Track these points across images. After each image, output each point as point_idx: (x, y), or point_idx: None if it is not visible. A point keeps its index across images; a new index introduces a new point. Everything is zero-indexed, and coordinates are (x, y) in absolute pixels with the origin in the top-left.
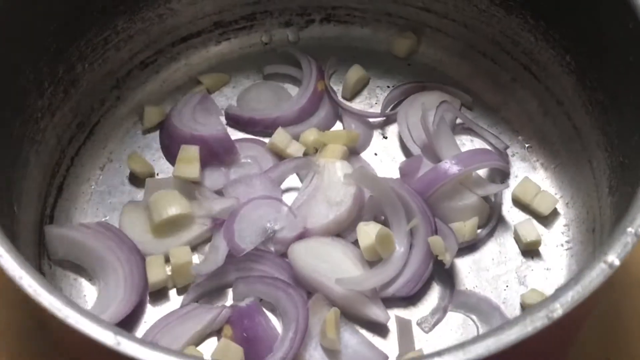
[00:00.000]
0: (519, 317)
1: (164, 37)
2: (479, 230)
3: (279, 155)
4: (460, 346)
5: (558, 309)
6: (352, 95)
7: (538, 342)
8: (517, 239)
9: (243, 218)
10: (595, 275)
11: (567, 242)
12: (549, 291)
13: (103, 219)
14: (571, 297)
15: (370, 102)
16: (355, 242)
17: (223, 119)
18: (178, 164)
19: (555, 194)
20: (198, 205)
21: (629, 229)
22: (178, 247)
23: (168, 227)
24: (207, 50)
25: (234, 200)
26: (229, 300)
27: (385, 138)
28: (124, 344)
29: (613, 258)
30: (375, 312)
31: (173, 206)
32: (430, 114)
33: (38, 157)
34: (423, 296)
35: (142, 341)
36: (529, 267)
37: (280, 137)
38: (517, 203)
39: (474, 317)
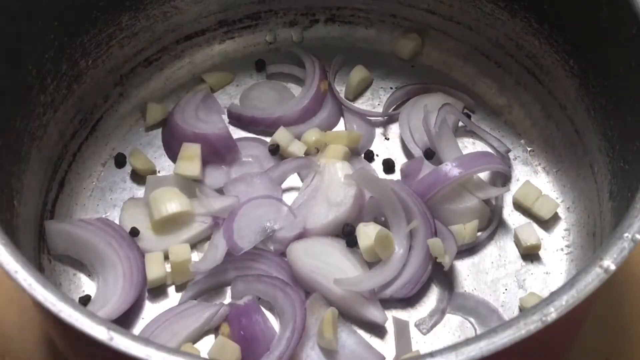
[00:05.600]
0: (513, 320)
1: (168, 34)
2: (479, 233)
3: (280, 155)
4: (453, 348)
5: (552, 313)
6: (354, 96)
7: (532, 345)
8: (517, 242)
9: (243, 217)
10: (591, 280)
11: (568, 246)
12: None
13: (103, 215)
14: (565, 301)
15: (372, 104)
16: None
17: (225, 118)
18: (179, 162)
19: (557, 198)
20: (198, 203)
21: (626, 234)
22: (177, 244)
23: (168, 224)
24: (211, 49)
25: (234, 199)
26: (227, 299)
27: (387, 139)
28: (117, 339)
29: (609, 263)
30: (373, 313)
31: (173, 203)
32: (433, 116)
33: (40, 153)
34: (421, 298)
35: (135, 337)
36: (529, 270)
37: (282, 136)
38: (518, 207)
39: (472, 319)
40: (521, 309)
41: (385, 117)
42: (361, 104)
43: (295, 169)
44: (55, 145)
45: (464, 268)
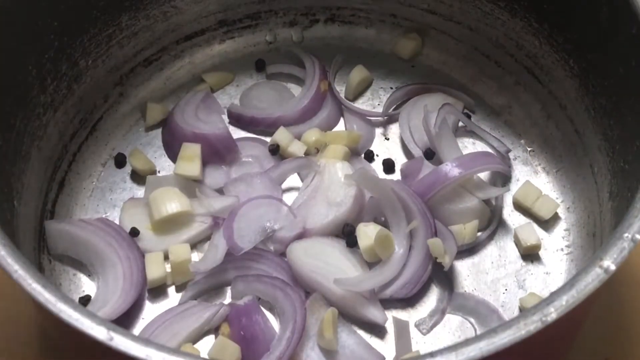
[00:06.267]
0: (513, 320)
1: (168, 34)
2: (479, 233)
3: (280, 155)
4: (453, 348)
5: (552, 313)
6: (354, 96)
7: (532, 346)
8: (517, 242)
9: (243, 217)
10: (591, 280)
11: (568, 246)
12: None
13: (103, 215)
14: (565, 302)
15: (372, 104)
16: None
17: (225, 118)
18: (179, 162)
19: (557, 198)
20: (198, 203)
21: (626, 235)
22: (177, 244)
23: (168, 224)
24: (211, 49)
25: (234, 199)
26: (227, 299)
27: (387, 139)
28: (117, 340)
29: (609, 263)
30: (373, 313)
31: (173, 203)
32: (433, 116)
33: (40, 152)
34: (421, 298)
35: (135, 337)
36: (529, 271)
37: (282, 136)
38: (518, 207)
39: (472, 319)
40: (521, 309)
41: (385, 117)
42: (361, 104)
43: (295, 169)
44: (55, 145)
45: (464, 268)
